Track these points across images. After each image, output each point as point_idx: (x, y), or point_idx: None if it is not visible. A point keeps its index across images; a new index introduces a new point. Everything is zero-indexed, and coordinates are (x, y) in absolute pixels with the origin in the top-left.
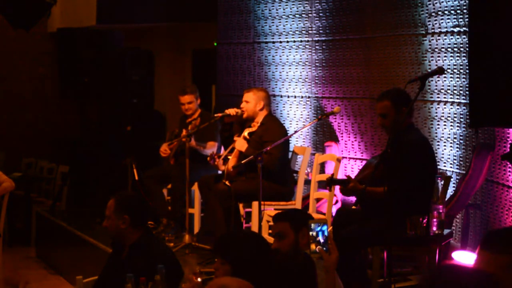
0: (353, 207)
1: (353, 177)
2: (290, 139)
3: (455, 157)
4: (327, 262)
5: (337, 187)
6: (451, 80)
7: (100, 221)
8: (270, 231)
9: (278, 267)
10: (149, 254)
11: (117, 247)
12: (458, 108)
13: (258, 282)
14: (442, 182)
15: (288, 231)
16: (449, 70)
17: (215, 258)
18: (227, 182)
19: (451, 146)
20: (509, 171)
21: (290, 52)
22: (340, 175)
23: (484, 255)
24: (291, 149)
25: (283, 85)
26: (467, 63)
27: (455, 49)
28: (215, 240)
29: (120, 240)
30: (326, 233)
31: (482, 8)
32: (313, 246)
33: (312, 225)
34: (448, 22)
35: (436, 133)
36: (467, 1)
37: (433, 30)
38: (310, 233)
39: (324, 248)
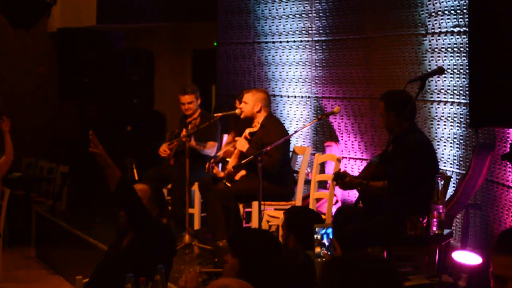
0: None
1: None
2: (290, 139)
3: (455, 157)
4: None
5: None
6: (451, 80)
7: (100, 221)
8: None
9: (278, 266)
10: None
11: (121, 234)
12: (458, 108)
13: (265, 280)
14: (442, 182)
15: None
16: (449, 70)
17: (226, 253)
18: (227, 183)
19: (451, 146)
20: (509, 171)
21: (290, 52)
22: None
23: (503, 260)
24: (291, 149)
25: (283, 85)
26: (467, 63)
27: (455, 49)
28: (229, 234)
29: None
30: (331, 236)
31: (482, 8)
32: (317, 249)
33: (317, 228)
34: (448, 22)
35: (436, 133)
36: (467, 1)
37: (433, 30)
38: (315, 236)
39: (329, 253)
